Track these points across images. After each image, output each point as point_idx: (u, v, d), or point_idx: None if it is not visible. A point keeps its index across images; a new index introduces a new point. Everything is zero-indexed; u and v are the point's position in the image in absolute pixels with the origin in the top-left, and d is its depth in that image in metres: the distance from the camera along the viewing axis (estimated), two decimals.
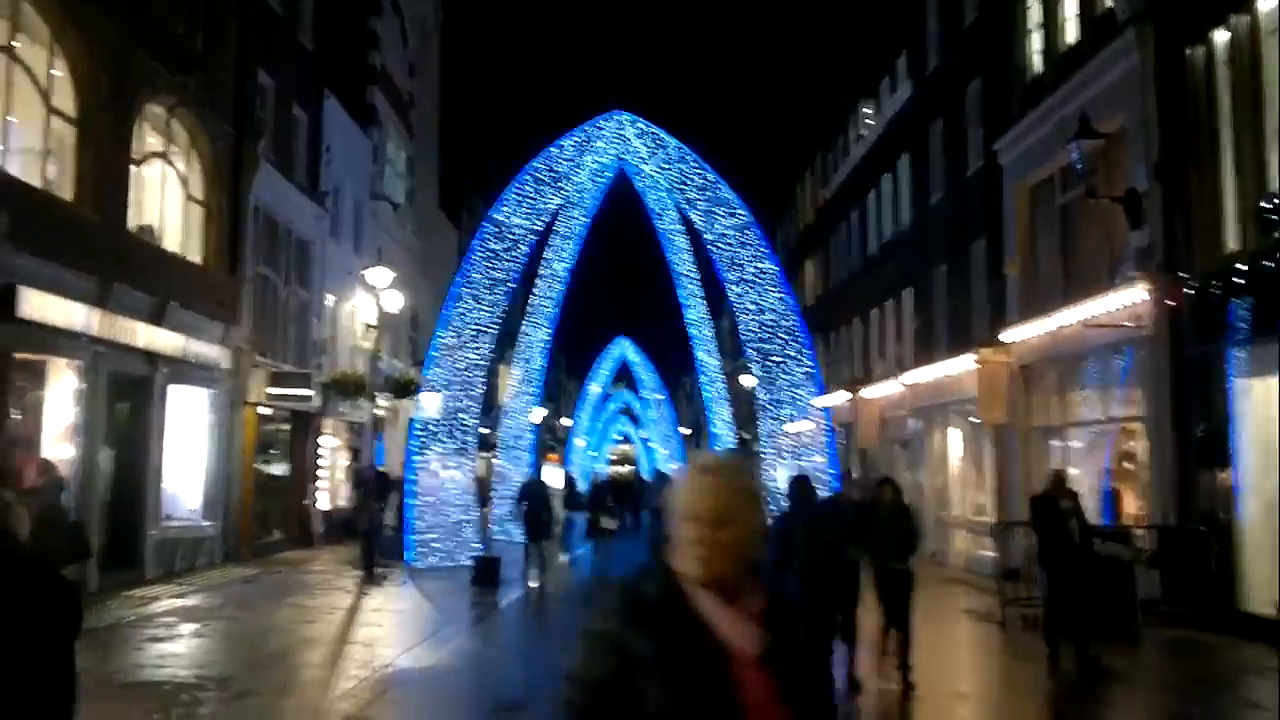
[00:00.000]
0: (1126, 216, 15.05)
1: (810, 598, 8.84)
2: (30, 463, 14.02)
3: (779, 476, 20.41)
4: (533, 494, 19.69)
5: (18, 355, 14.38)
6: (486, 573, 18.12)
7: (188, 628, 13.45)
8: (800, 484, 10.03)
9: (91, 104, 16.33)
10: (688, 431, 72.51)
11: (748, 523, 2.32)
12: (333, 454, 28.27)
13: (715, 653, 2.23)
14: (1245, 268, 12.15)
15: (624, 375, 58.34)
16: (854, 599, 10.15)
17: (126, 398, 17.76)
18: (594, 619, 2.32)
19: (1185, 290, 13.70)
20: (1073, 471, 15.86)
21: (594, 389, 52.81)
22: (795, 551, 9.01)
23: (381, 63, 33.44)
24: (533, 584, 18.54)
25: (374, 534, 19.14)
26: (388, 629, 14.02)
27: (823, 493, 20.19)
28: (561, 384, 73.16)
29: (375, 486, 20.38)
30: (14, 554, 2.35)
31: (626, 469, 66.87)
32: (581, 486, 30.42)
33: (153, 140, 18.82)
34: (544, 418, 42.72)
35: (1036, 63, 19.59)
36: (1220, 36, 13.50)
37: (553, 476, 34.93)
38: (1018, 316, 18.94)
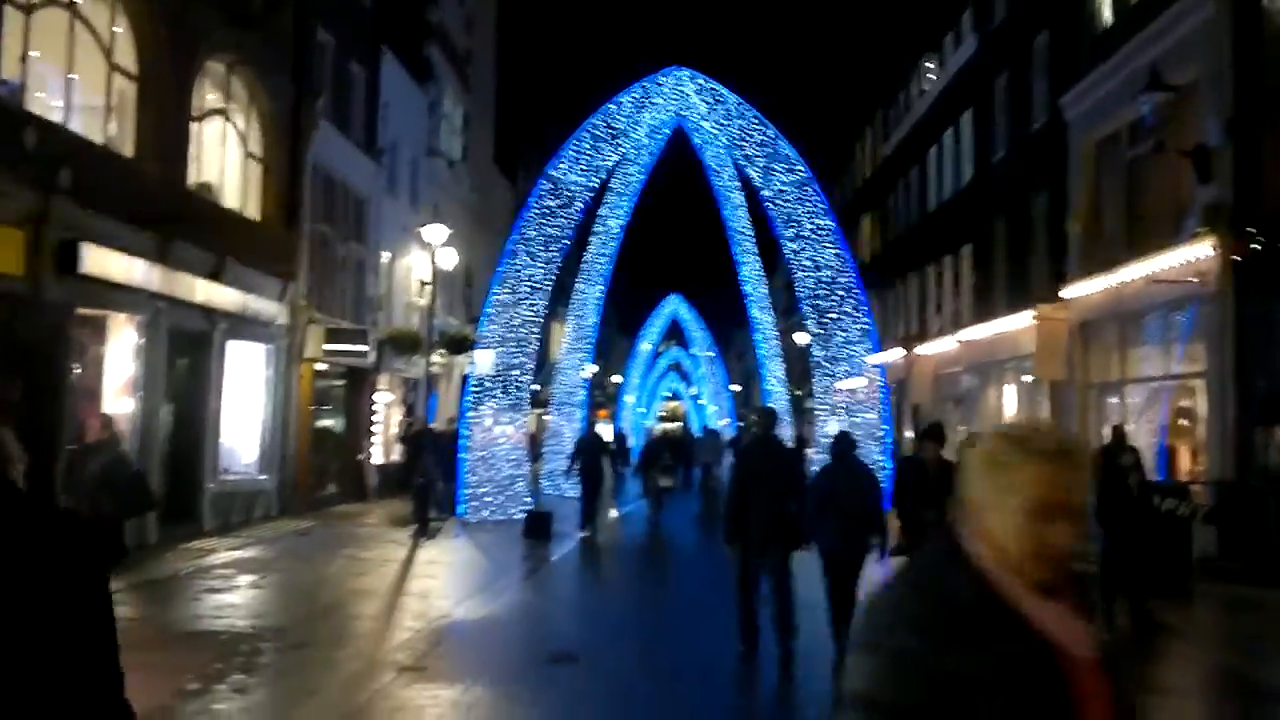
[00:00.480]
0: (1195, 171, 14.68)
1: (847, 549, 8.99)
2: (92, 417, 14.30)
3: (832, 433, 20.32)
4: (588, 449, 19.89)
5: (79, 310, 14.56)
6: (538, 526, 18.26)
7: (244, 579, 13.63)
8: (840, 440, 10.00)
9: (152, 60, 16.38)
10: (738, 388, 72.39)
11: (1086, 508, 1.90)
12: (387, 409, 28.55)
13: (1056, 664, 1.88)
14: None
15: (674, 332, 58.17)
16: None
17: (185, 353, 17.95)
18: (882, 629, 1.90)
19: (1252, 246, 13.36)
20: (1129, 428, 15.65)
21: (645, 346, 52.66)
22: (833, 504, 9.03)
23: (439, 18, 33.34)
24: (584, 536, 18.73)
25: (427, 488, 19.33)
26: (441, 581, 14.15)
27: (876, 448, 20.35)
28: (613, 341, 73.23)
29: (424, 442, 20.53)
30: (12, 498, 2.06)
31: (675, 425, 66.87)
32: (632, 443, 30.51)
33: (212, 97, 18.90)
34: (595, 374, 42.84)
35: (1107, 14, 19.10)
36: None
37: (603, 433, 35.10)
38: (1079, 272, 18.59)
